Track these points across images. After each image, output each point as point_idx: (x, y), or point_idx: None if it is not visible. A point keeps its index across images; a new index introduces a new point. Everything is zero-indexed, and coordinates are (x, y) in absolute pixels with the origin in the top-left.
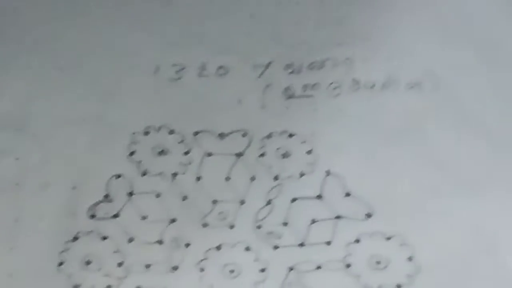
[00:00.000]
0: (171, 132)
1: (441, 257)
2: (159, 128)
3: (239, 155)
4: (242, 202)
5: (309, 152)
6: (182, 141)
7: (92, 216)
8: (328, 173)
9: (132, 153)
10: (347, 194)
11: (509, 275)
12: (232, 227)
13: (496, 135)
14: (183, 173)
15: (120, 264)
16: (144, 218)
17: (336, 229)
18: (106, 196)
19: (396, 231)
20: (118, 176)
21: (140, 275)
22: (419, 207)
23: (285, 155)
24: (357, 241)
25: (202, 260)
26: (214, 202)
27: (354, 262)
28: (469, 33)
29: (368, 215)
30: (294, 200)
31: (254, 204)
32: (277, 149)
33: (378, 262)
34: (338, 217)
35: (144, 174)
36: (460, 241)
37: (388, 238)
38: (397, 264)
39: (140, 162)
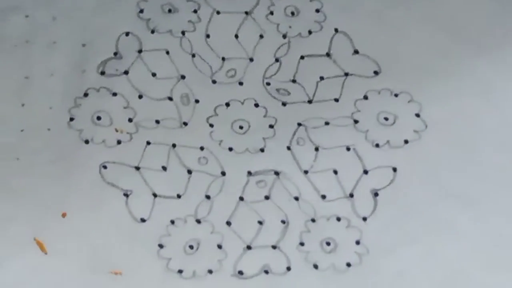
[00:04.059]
0: None
1: (448, 113)
2: None
3: (248, 13)
4: (251, 60)
5: (317, 10)
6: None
7: (102, 73)
8: (336, 31)
9: (141, 11)
10: (355, 52)
11: None
12: (241, 84)
13: None
14: (192, 31)
15: (130, 120)
16: (153, 75)
17: (344, 86)
18: (116, 54)
19: (404, 88)
20: (127, 33)
21: (150, 130)
22: (426, 65)
23: (293, 13)
24: (365, 97)
25: (211, 116)
26: (223, 59)
27: (362, 119)
28: None
29: (376, 73)
30: (302, 57)
31: (262, 61)
32: (286, 7)
33: (386, 119)
34: (346, 75)
35: (153, 31)
36: (467, 99)
37: (396, 95)
38: (404, 121)
39: (149, 20)
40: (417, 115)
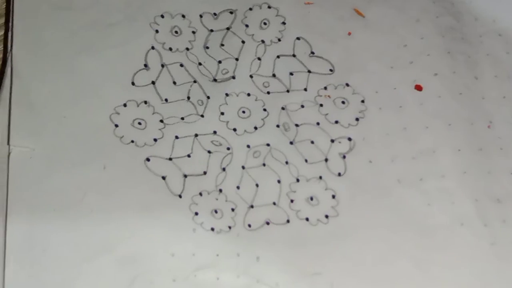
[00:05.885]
0: None
1: (383, 101)
2: None
3: (228, 28)
4: (237, 59)
5: (283, 23)
6: None
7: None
8: (298, 38)
9: (157, 31)
10: (312, 53)
11: None
12: (233, 78)
13: None
14: (192, 48)
15: (161, 121)
16: (174, 83)
17: (309, 80)
18: (145, 65)
19: (351, 82)
20: (153, 47)
21: (176, 126)
22: (367, 65)
23: (265, 24)
24: (325, 88)
25: (221, 105)
26: (219, 62)
27: (325, 103)
28: None
29: (331, 70)
30: (278, 57)
31: (247, 61)
32: (261, 20)
33: (343, 102)
34: (309, 71)
35: (170, 49)
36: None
37: (348, 85)
38: (353, 104)
39: (164, 43)
40: (362, 101)
